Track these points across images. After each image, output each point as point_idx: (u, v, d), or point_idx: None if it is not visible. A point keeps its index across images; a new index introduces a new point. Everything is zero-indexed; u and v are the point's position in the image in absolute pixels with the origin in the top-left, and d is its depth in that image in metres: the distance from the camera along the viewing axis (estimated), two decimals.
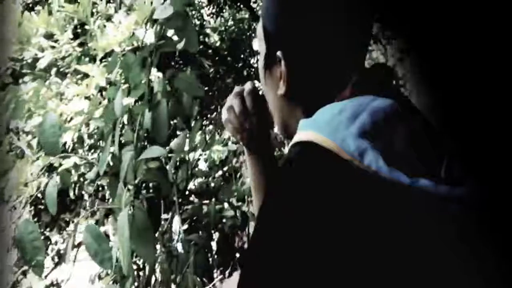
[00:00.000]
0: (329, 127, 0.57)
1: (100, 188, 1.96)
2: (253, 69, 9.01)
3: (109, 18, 3.85)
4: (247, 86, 0.93)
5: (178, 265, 1.73)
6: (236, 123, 0.92)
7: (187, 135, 2.08)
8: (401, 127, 0.58)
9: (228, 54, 8.62)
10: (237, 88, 0.94)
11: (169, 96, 1.86)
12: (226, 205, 2.22)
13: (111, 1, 3.74)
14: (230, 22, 9.27)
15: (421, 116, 0.61)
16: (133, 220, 1.65)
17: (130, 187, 1.74)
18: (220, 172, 2.61)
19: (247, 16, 9.72)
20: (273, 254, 0.51)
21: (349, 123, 0.57)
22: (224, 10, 8.96)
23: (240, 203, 2.29)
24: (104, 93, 2.84)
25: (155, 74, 2.08)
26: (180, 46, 1.85)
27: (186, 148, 2.05)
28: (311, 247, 0.50)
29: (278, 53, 0.71)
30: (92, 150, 2.05)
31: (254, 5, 9.34)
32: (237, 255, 2.38)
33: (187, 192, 2.22)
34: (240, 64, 8.86)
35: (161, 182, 1.75)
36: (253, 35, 9.94)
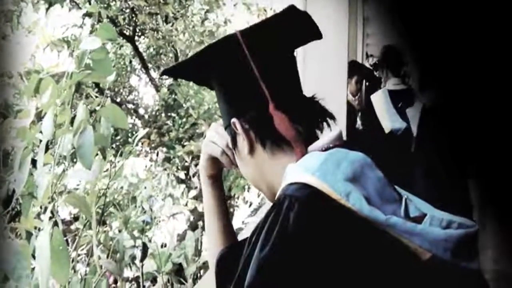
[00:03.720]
0: (319, 172, 0.71)
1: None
2: (132, 104, 8.97)
3: (4, 37, 3.69)
4: None
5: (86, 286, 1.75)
6: (219, 143, 0.98)
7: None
8: (373, 174, 0.75)
9: (108, 88, 8.48)
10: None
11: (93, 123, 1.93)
12: (126, 234, 2.28)
13: (8, 21, 3.61)
14: (111, 56, 9.16)
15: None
16: (50, 240, 1.67)
17: (47, 208, 1.76)
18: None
19: (128, 52, 9.72)
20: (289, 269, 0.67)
21: (335, 170, 0.72)
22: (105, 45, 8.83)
23: (139, 234, 2.36)
24: None
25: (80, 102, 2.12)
26: (111, 78, 1.95)
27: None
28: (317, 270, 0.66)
29: (233, 119, 0.85)
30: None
31: (136, 43, 9.40)
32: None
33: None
34: (119, 99, 8.76)
35: (80, 208, 1.79)
36: (133, 72, 9.93)
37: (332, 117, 0.88)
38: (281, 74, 0.87)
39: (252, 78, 0.84)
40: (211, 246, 1.05)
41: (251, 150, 0.87)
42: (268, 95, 0.83)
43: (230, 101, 0.88)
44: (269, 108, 0.83)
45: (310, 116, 0.87)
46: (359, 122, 4.44)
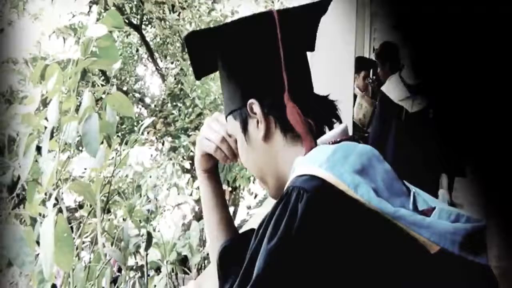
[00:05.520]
0: (327, 164, 0.71)
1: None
2: (138, 94, 8.97)
3: (10, 23, 3.68)
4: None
5: (90, 275, 1.76)
6: (213, 138, 0.97)
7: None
8: (381, 167, 0.75)
9: (114, 76, 8.48)
10: (216, 113, 1.04)
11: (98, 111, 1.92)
12: (130, 223, 2.27)
13: (14, 7, 3.60)
14: (118, 45, 9.16)
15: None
16: (54, 227, 1.66)
17: (52, 194, 1.75)
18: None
19: (135, 41, 9.71)
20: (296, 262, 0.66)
21: (343, 162, 0.72)
22: (112, 33, 8.83)
23: (144, 223, 2.35)
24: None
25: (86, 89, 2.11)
26: (117, 66, 1.93)
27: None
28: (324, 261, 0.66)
29: (251, 100, 0.83)
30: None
31: (143, 32, 9.39)
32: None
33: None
34: (125, 88, 8.76)
35: (85, 195, 1.78)
36: (139, 61, 9.93)
37: (339, 118, 0.89)
38: (300, 65, 0.88)
39: (276, 62, 0.83)
40: (211, 239, 1.05)
41: (267, 136, 0.85)
42: (286, 84, 0.83)
43: (248, 81, 0.86)
44: (284, 96, 0.82)
45: (322, 112, 0.87)
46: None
